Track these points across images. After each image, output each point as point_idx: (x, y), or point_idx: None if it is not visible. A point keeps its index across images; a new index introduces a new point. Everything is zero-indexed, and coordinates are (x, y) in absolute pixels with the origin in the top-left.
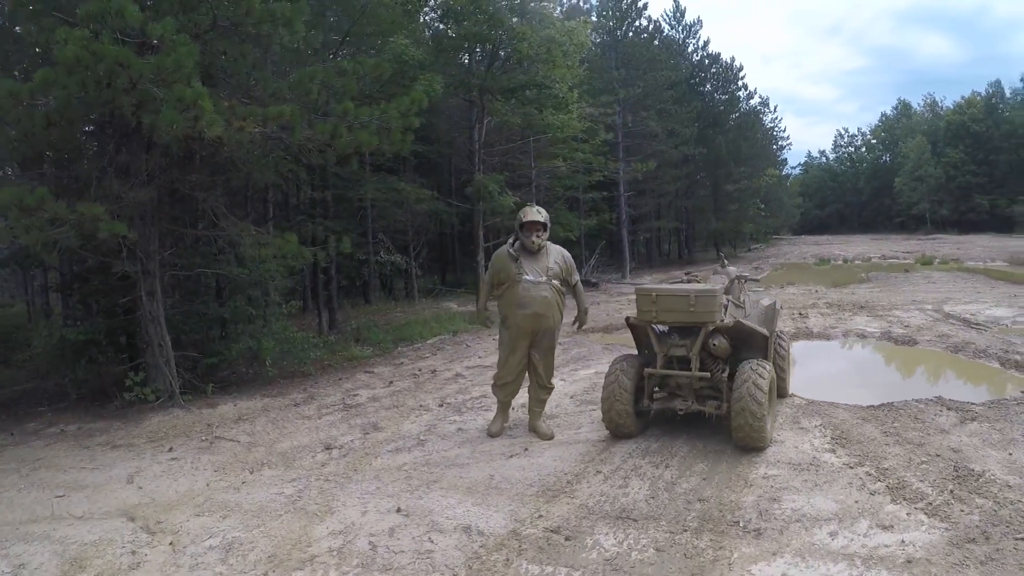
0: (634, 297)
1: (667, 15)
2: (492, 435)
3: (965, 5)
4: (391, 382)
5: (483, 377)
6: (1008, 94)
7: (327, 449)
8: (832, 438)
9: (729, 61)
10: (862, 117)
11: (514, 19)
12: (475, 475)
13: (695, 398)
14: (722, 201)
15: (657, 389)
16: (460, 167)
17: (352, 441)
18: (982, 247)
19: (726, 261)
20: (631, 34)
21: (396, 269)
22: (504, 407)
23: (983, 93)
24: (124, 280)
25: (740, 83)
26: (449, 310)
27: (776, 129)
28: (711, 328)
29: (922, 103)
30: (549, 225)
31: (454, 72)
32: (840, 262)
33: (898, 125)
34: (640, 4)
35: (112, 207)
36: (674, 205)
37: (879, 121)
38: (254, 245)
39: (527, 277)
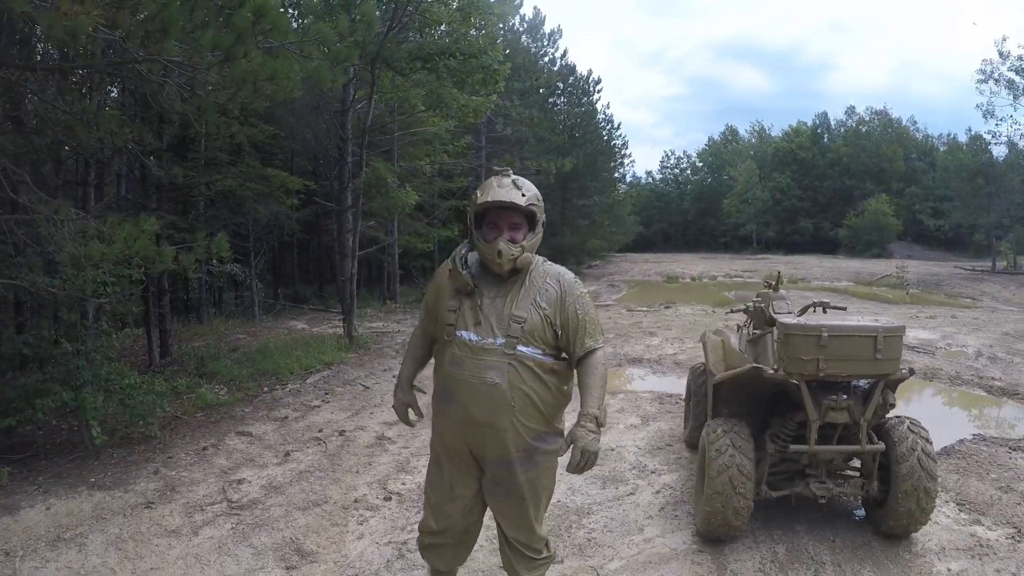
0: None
1: (527, 20)
2: None
3: (779, 43)
4: (287, 453)
5: (420, 441)
6: (833, 125)
7: None
8: (955, 503)
9: (586, 74)
10: (676, 142)
11: None
12: None
13: (831, 478)
14: (571, 215)
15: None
16: (302, 166)
17: None
18: (818, 267)
19: (778, 283)
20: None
21: (230, 281)
22: None
23: (810, 123)
24: None
25: (596, 96)
26: (301, 331)
27: (622, 146)
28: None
29: (749, 130)
30: (542, 218)
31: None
32: (688, 280)
33: (725, 149)
34: (516, 2)
35: None
36: None
37: (706, 145)
38: (78, 237)
39: (463, 334)
